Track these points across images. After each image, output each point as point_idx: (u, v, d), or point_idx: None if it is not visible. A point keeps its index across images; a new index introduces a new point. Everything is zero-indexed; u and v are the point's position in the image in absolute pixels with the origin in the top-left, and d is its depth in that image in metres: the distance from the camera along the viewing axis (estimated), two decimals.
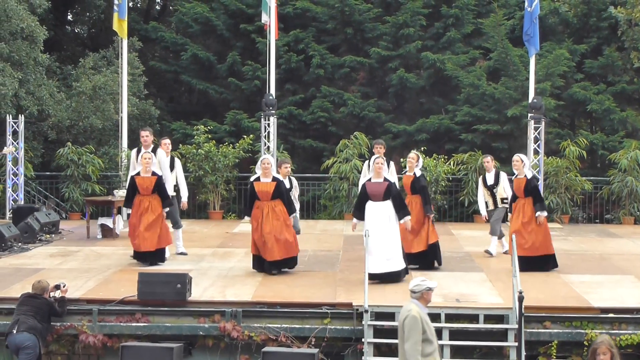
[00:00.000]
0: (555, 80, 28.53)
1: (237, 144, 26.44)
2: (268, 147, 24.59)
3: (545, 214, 16.78)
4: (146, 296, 14.13)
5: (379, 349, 13.65)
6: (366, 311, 13.46)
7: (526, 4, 24.25)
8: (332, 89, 30.67)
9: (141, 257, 17.06)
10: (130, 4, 34.34)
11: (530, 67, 24.74)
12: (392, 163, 18.52)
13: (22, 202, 24.59)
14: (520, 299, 12.62)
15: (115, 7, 24.71)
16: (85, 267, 17.09)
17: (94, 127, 27.93)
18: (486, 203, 18.81)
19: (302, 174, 27.21)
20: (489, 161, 18.97)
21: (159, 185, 16.95)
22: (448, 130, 29.39)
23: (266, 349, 13.21)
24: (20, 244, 19.66)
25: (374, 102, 30.35)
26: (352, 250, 18.88)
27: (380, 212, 15.45)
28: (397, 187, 16.11)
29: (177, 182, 18.36)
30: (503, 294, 14.57)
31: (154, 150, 17.87)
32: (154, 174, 16.97)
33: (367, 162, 16.09)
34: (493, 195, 18.71)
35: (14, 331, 13.30)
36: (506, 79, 28.68)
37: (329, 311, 13.95)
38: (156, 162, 17.56)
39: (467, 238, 21.69)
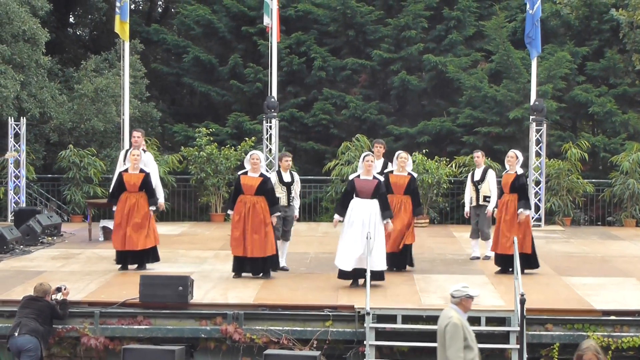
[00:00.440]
0: (557, 83, 28.52)
1: (239, 147, 26.45)
2: (270, 150, 24.59)
3: (527, 212, 16.74)
4: (148, 299, 14.12)
5: (380, 352, 13.65)
6: (368, 314, 13.46)
7: (528, 6, 24.24)
8: (333, 91, 30.67)
9: (124, 258, 16.89)
10: (132, 6, 34.41)
11: (532, 69, 24.73)
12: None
13: (24, 205, 24.60)
14: (522, 302, 12.60)
15: (117, 10, 24.69)
16: (87, 269, 17.10)
17: (96, 129, 27.93)
18: (471, 198, 18.66)
19: (303, 176, 27.14)
20: (479, 156, 18.93)
21: (146, 183, 16.88)
22: (450, 133, 29.38)
23: (268, 351, 13.22)
24: (22, 246, 19.68)
25: (375, 104, 30.33)
26: None
27: (365, 209, 15.31)
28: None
29: None
30: (505, 297, 14.56)
31: (144, 152, 17.97)
32: (141, 171, 16.92)
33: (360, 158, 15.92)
34: (477, 191, 18.55)
35: (16, 334, 13.31)
36: (508, 82, 28.67)
37: (330, 314, 13.95)
38: (145, 161, 17.64)
39: (468, 240, 21.57)
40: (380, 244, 15.39)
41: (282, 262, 16.99)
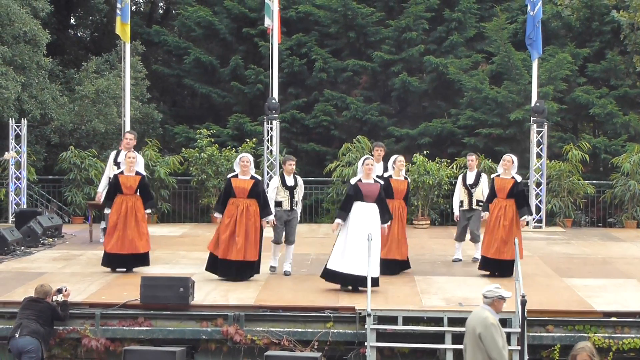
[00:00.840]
0: (558, 84, 28.53)
1: (240, 148, 26.43)
2: (271, 151, 24.59)
3: (529, 218, 16.73)
4: (149, 300, 14.12)
5: (381, 353, 13.66)
6: (369, 315, 13.46)
7: (529, 7, 24.25)
8: (334, 92, 30.67)
9: (117, 261, 16.78)
10: (133, 8, 34.38)
11: (533, 70, 24.73)
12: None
13: (25, 206, 24.60)
14: (523, 303, 12.59)
15: (118, 11, 24.71)
16: (88, 271, 17.10)
17: (97, 130, 27.94)
18: (461, 202, 18.52)
19: (304, 177, 27.08)
20: (473, 159, 18.83)
21: (142, 185, 16.84)
22: (450, 134, 29.38)
23: (269, 352, 13.21)
24: (22, 247, 19.69)
25: (376, 105, 30.34)
26: None
27: (368, 213, 15.24)
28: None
29: None
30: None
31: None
32: (137, 173, 16.89)
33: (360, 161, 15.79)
34: (470, 195, 18.43)
35: (17, 335, 13.31)
36: (509, 83, 28.68)
37: (331, 315, 13.95)
38: (140, 164, 17.67)
39: (469, 242, 21.65)
40: (378, 250, 15.33)
41: (287, 267, 16.89)
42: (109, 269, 16.90)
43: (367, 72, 31.34)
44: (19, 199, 24.84)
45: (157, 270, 16.86)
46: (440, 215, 25.75)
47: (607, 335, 13.62)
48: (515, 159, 16.95)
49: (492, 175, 17.00)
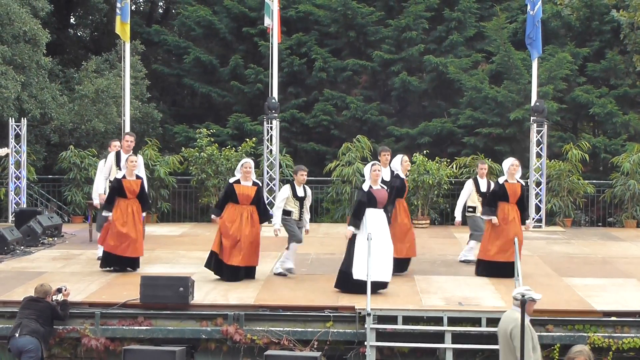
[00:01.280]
0: (558, 84, 28.54)
1: (240, 148, 26.43)
2: (270, 151, 24.59)
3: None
4: (148, 299, 14.12)
5: (381, 352, 13.66)
6: (368, 314, 13.46)
7: (528, 7, 24.24)
8: (334, 92, 30.69)
9: (119, 261, 16.72)
10: (133, 7, 34.40)
11: (533, 70, 24.72)
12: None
13: (25, 206, 24.59)
14: (523, 303, 12.58)
15: (117, 11, 24.69)
16: (88, 270, 17.09)
17: (97, 130, 27.95)
18: (474, 208, 18.27)
19: None
20: (485, 168, 18.68)
21: (142, 189, 16.83)
22: (450, 134, 29.39)
23: (269, 352, 13.22)
24: (22, 247, 19.68)
25: (376, 105, 30.35)
26: None
27: (381, 219, 15.14)
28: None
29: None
30: (505, 298, 14.55)
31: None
32: (137, 177, 16.84)
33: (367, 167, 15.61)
34: (483, 202, 18.27)
35: (17, 334, 13.31)
36: (509, 82, 28.69)
37: (331, 314, 13.95)
38: (141, 166, 17.65)
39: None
40: (391, 252, 15.23)
41: (290, 264, 16.73)
42: (109, 269, 16.89)
43: (367, 72, 31.36)
44: (19, 199, 24.83)
45: (157, 269, 16.86)
46: (440, 214, 25.74)
47: (606, 334, 13.62)
48: (519, 164, 16.95)
49: (501, 181, 16.77)
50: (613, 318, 13.86)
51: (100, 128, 27.86)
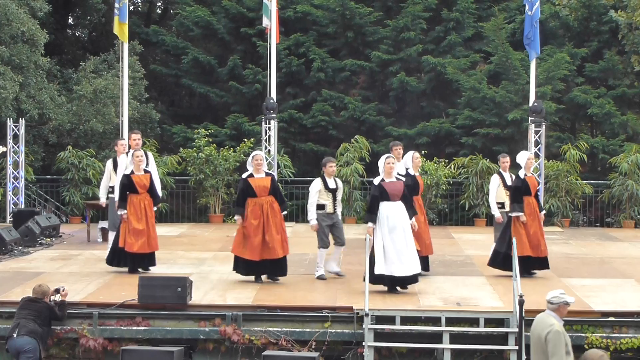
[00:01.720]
0: (556, 84, 28.55)
1: (238, 148, 26.43)
2: (269, 151, 24.59)
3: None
4: (147, 300, 14.11)
5: (379, 353, 13.65)
6: (367, 315, 13.45)
7: (527, 7, 24.23)
8: (332, 92, 30.69)
9: (132, 260, 16.63)
10: (131, 8, 34.41)
11: (531, 70, 24.72)
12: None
13: (23, 206, 24.60)
14: (521, 303, 12.62)
15: (116, 11, 24.70)
16: (86, 270, 17.10)
17: (95, 130, 27.94)
18: (503, 204, 17.86)
19: (302, 177, 27.21)
20: (507, 161, 18.32)
21: (152, 183, 16.76)
22: (449, 134, 29.40)
23: (267, 352, 13.21)
24: (20, 247, 19.67)
25: (374, 105, 30.35)
26: (353, 254, 18.84)
27: (398, 212, 14.95)
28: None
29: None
30: (503, 298, 14.57)
31: (146, 154, 17.79)
32: (146, 171, 16.78)
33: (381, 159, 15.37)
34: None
35: (15, 335, 13.31)
36: (507, 83, 28.69)
37: (329, 315, 13.94)
38: (152, 164, 17.64)
39: (467, 242, 21.70)
40: (412, 247, 15.07)
41: (336, 268, 16.52)
42: (107, 269, 16.88)
43: (365, 72, 31.36)
44: (17, 199, 24.83)
45: (155, 270, 16.83)
46: (438, 215, 25.75)
47: (605, 335, 13.61)
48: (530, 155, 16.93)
49: (522, 175, 16.71)
50: (611, 318, 13.86)
51: (98, 128, 27.85)
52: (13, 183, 24.85)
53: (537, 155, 24.05)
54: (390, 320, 13.75)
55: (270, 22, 25.19)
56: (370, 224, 14.99)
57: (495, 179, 18.26)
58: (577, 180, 25.35)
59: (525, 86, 26.99)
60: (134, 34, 30.59)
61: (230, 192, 26.13)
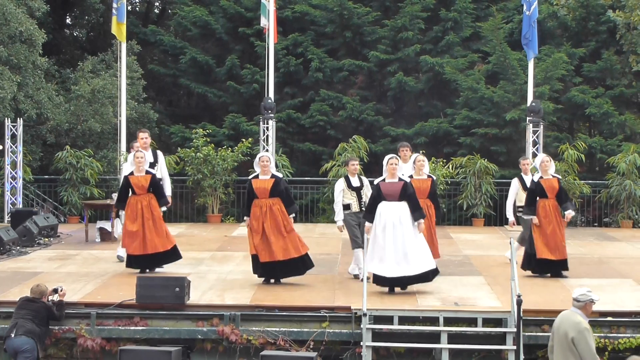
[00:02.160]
0: (554, 84, 28.56)
1: (236, 148, 26.42)
2: (267, 151, 24.59)
3: (574, 212, 16.61)
4: (144, 300, 14.11)
5: (377, 353, 13.65)
6: (365, 315, 13.45)
7: (525, 7, 24.27)
8: (330, 92, 30.68)
9: (141, 262, 16.61)
10: (129, 8, 34.36)
11: (529, 70, 24.75)
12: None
13: (21, 206, 24.59)
14: (519, 303, 12.62)
15: (114, 11, 24.72)
16: (84, 270, 17.09)
17: (93, 130, 27.94)
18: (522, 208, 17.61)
19: (300, 177, 27.24)
20: (528, 163, 18.30)
21: (154, 184, 16.59)
22: (447, 134, 29.40)
23: (265, 352, 13.21)
24: (18, 247, 19.67)
25: (372, 105, 30.36)
26: (351, 254, 18.81)
27: (395, 212, 14.87)
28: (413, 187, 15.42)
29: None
30: (501, 298, 14.57)
31: (155, 151, 17.75)
32: (147, 172, 16.67)
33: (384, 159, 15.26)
34: None
35: (12, 335, 13.30)
36: (505, 83, 28.70)
37: (327, 315, 13.94)
38: (161, 162, 17.58)
39: (465, 241, 21.71)
40: (422, 245, 15.01)
41: (356, 270, 16.24)
42: (105, 269, 16.91)
43: (363, 72, 31.37)
44: (15, 199, 24.82)
45: (160, 269, 16.82)
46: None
47: (603, 334, 13.61)
48: (551, 158, 16.81)
49: (536, 178, 16.69)
50: (609, 318, 13.87)
51: (96, 128, 27.85)
52: (11, 183, 24.84)
53: (534, 155, 24.04)
54: (388, 320, 13.75)
55: (268, 22, 25.22)
56: (368, 224, 15.02)
57: (514, 183, 18.23)
58: (575, 180, 25.35)
59: (523, 86, 27.01)
60: (131, 33, 30.59)
61: (228, 192, 26.15)
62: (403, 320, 13.78)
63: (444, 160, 26.14)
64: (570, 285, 15.81)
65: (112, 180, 26.50)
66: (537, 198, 16.46)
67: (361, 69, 31.00)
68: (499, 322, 13.71)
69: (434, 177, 16.99)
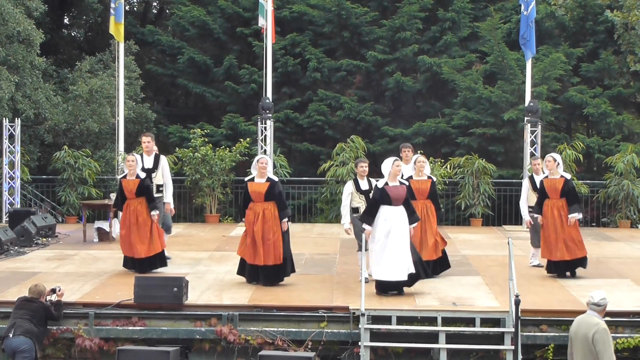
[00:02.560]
0: (552, 84, 28.56)
1: (234, 148, 26.43)
2: (265, 151, 24.57)
3: (580, 216, 16.46)
4: (143, 300, 14.11)
5: (375, 353, 13.66)
6: (363, 315, 13.46)
7: (522, 7, 24.27)
8: (328, 92, 30.69)
9: (133, 264, 16.63)
10: (127, 8, 34.33)
11: (527, 70, 24.74)
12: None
13: (19, 206, 24.57)
14: (517, 303, 12.62)
15: (111, 11, 24.71)
16: (82, 270, 17.09)
17: (91, 130, 27.93)
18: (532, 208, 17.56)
19: (298, 177, 27.25)
20: (538, 164, 18.21)
21: (142, 188, 16.49)
22: (444, 134, 29.41)
23: (263, 352, 13.21)
24: (16, 247, 19.66)
25: (370, 105, 30.36)
26: (349, 254, 18.86)
27: (396, 216, 14.79)
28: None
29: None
30: (499, 298, 14.57)
31: (157, 157, 17.69)
32: (137, 177, 16.61)
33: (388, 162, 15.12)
34: None
35: (11, 335, 13.29)
36: (503, 83, 28.71)
37: (325, 315, 13.94)
38: (164, 168, 17.56)
39: (463, 241, 21.71)
40: (407, 252, 14.87)
41: (365, 273, 15.48)
42: (103, 269, 16.93)
43: (361, 72, 31.37)
44: (13, 199, 24.80)
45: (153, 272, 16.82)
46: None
47: None
48: (557, 157, 16.68)
49: (541, 178, 16.71)
50: (607, 318, 13.80)
51: (94, 128, 27.85)
52: (9, 183, 24.83)
53: (533, 155, 24.06)
54: (387, 320, 13.76)
55: (266, 22, 25.20)
56: (368, 227, 14.85)
57: (525, 183, 18.28)
58: (573, 180, 25.28)
59: (521, 86, 27.01)
60: (129, 33, 30.57)
61: (226, 192, 26.15)
62: (401, 320, 13.79)
63: (442, 160, 26.16)
64: (568, 285, 15.83)
65: (110, 181, 26.51)
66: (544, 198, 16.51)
67: (359, 69, 31.00)
68: (497, 322, 13.72)
69: (434, 178, 16.95)
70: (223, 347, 13.90)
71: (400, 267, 14.72)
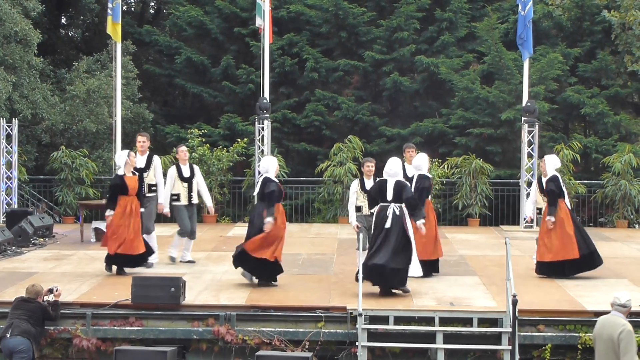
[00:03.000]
0: (549, 84, 28.57)
1: (231, 148, 26.44)
2: (262, 151, 24.58)
3: (552, 219, 16.32)
4: (140, 300, 14.10)
5: (373, 353, 13.66)
6: (360, 315, 13.45)
7: (520, 7, 24.26)
8: (326, 92, 30.68)
9: (125, 261, 16.61)
10: (125, 8, 34.38)
11: (524, 70, 24.74)
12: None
13: (16, 206, 24.56)
14: (514, 303, 12.61)
15: (109, 11, 24.67)
16: (79, 270, 17.08)
17: (88, 130, 27.93)
18: (540, 210, 17.54)
19: (295, 177, 27.25)
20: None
21: (140, 184, 16.74)
22: (442, 134, 29.41)
23: (260, 352, 13.21)
24: (13, 247, 19.65)
25: (367, 105, 30.36)
26: (346, 254, 18.88)
27: (387, 213, 14.62)
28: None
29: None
30: (497, 298, 14.58)
31: (150, 157, 17.72)
32: (134, 173, 16.72)
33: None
34: None
35: (8, 335, 13.28)
36: (500, 83, 28.71)
37: (323, 315, 13.94)
38: (157, 167, 17.58)
39: (460, 241, 21.71)
40: (413, 249, 14.84)
41: None
42: (101, 269, 16.89)
43: (359, 72, 31.36)
44: (10, 199, 24.79)
45: (149, 269, 16.83)
46: None
47: None
48: (547, 158, 16.66)
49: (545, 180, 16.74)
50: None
51: (91, 128, 27.85)
52: (6, 183, 24.81)
53: (530, 155, 24.07)
54: (384, 320, 13.76)
55: (264, 22, 25.19)
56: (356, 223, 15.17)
57: (533, 185, 18.31)
58: (571, 180, 25.36)
59: (518, 86, 27.01)
60: (127, 33, 30.54)
61: (223, 192, 26.14)
62: (398, 320, 13.78)
63: (440, 160, 26.18)
64: (565, 285, 15.83)
65: (107, 181, 26.43)
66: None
67: (356, 69, 30.99)
68: (494, 322, 13.72)
69: (430, 177, 16.94)
70: (220, 348, 13.90)
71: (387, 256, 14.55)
